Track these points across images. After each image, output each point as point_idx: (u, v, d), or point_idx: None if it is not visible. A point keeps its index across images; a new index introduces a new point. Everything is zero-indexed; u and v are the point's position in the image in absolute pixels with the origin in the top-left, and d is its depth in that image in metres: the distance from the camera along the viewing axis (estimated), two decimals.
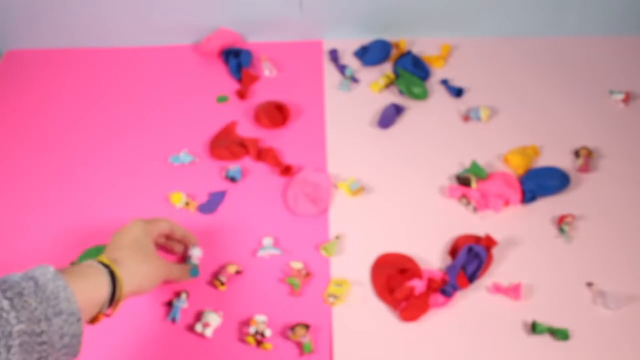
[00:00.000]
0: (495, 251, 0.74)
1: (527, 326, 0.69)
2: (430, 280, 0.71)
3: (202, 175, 0.84)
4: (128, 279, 0.58)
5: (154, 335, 0.69)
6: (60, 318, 0.49)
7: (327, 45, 1.03)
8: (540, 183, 0.80)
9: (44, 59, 1.02)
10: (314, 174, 0.82)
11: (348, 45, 1.02)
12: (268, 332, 0.67)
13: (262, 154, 0.86)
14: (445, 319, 0.69)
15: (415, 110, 0.93)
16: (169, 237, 0.72)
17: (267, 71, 0.99)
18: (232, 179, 0.83)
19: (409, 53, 0.98)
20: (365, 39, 1.02)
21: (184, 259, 0.74)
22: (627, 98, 0.93)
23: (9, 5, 0.97)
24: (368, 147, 0.88)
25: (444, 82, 0.96)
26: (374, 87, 0.96)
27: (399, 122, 0.91)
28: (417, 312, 0.69)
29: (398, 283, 0.71)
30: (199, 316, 0.70)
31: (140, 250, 0.62)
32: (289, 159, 0.86)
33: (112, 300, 0.57)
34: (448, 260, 0.75)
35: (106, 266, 0.57)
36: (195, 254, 0.73)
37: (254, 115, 0.91)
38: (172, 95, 0.96)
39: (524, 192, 0.80)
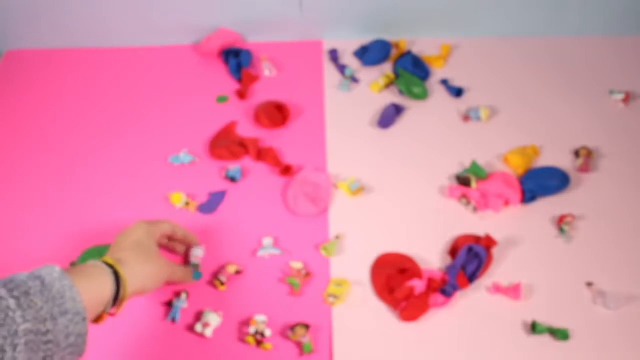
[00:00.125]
0: (495, 251, 0.74)
1: (527, 326, 0.69)
2: (430, 280, 0.71)
3: (202, 175, 0.84)
4: (132, 279, 0.59)
5: (154, 335, 0.69)
6: (66, 317, 0.50)
7: (327, 45, 1.03)
8: (540, 183, 0.80)
9: (44, 59, 1.02)
10: (314, 174, 0.82)
11: (348, 45, 1.02)
12: (268, 332, 0.67)
13: (262, 154, 0.86)
14: (445, 319, 0.69)
15: (415, 110, 0.93)
16: (171, 238, 0.73)
17: (267, 71, 0.99)
18: (232, 179, 0.83)
19: (409, 53, 0.98)
20: (365, 39, 1.02)
21: (186, 259, 0.74)
22: (627, 98, 0.93)
23: (9, 5, 0.97)
24: (368, 147, 0.88)
25: (444, 82, 0.96)
26: (374, 87, 0.96)
27: (399, 122, 0.91)
28: (417, 312, 0.69)
29: (398, 283, 0.71)
30: (199, 316, 0.70)
31: (143, 251, 0.63)
32: (289, 159, 0.86)
33: (116, 300, 0.58)
34: (448, 260, 0.75)
35: (110, 266, 0.58)
36: (197, 253, 0.73)
37: (254, 115, 0.91)
38: (172, 95, 0.96)
39: (524, 192, 0.80)
